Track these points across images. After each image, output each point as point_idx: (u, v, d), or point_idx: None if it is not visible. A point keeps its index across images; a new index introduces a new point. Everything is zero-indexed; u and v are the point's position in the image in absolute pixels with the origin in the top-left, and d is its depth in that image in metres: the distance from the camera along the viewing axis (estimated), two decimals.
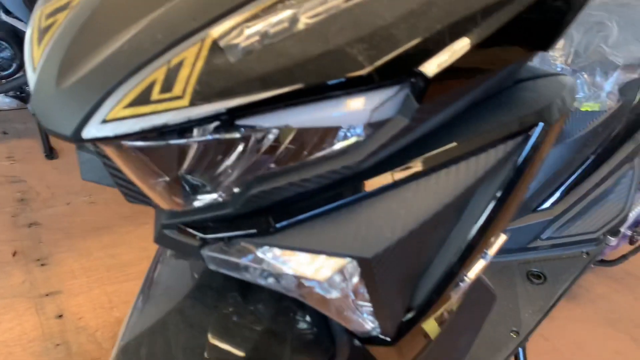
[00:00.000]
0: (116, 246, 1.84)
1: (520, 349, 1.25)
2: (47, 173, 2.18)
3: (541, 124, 0.55)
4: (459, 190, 0.54)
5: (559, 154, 1.19)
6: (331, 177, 0.48)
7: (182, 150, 0.47)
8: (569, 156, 1.19)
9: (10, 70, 2.08)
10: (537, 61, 1.09)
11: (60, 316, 1.55)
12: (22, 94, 2.26)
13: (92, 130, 0.43)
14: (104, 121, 0.43)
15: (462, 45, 0.43)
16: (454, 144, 0.53)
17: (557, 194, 1.25)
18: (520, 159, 0.56)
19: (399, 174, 0.51)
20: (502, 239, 0.63)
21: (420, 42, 0.42)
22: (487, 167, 0.55)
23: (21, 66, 2.10)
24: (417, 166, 0.52)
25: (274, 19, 0.44)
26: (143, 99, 0.42)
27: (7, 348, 1.44)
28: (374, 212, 0.51)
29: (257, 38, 0.43)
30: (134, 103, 0.42)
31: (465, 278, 0.62)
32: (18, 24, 1.98)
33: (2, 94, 2.29)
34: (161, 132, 0.43)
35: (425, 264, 0.60)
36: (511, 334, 1.14)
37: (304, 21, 0.43)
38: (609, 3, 1.14)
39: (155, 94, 0.42)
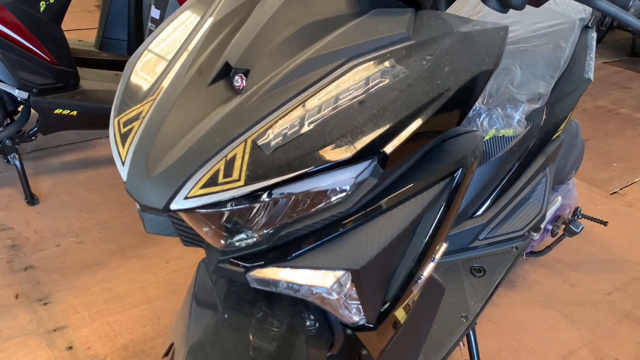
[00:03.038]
0: (109, 280, 2.02)
1: (470, 331, 1.53)
2: (31, 218, 2.33)
3: (460, 169, 0.83)
4: (412, 217, 0.81)
5: (485, 171, 1.49)
6: (330, 219, 0.74)
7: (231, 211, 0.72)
8: (494, 172, 1.50)
9: None
10: None
11: (71, 348, 1.73)
12: None
13: (177, 205, 0.67)
14: (186, 197, 0.67)
15: (405, 133, 0.70)
16: (406, 187, 0.80)
17: (488, 202, 1.55)
18: (450, 192, 0.84)
19: (373, 211, 0.78)
20: (443, 246, 0.91)
21: (380, 134, 0.69)
22: (428, 200, 0.82)
23: (1, 123, 2.26)
24: (384, 205, 0.79)
25: (288, 124, 0.69)
26: (213, 181, 0.67)
27: None
28: (359, 238, 0.77)
29: (280, 138, 0.68)
30: (206, 185, 0.67)
31: (422, 276, 0.89)
32: (1, 86, 2.14)
33: None
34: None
35: (394, 269, 0.86)
36: (461, 319, 1.42)
37: (307, 125, 0.69)
38: (512, 50, 1.45)
39: (220, 179, 0.67)
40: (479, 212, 1.54)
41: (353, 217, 0.77)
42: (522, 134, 1.47)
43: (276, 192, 0.69)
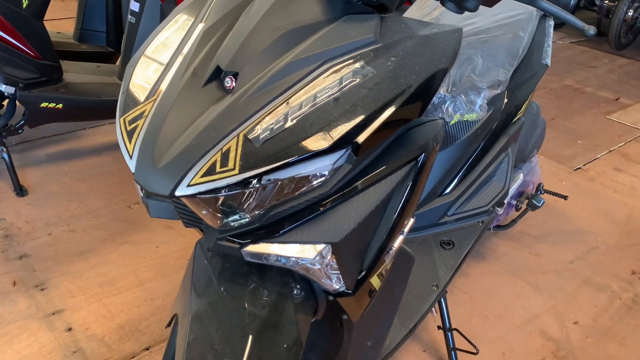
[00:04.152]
0: (102, 266, 2.13)
1: (442, 299, 1.67)
2: (22, 209, 2.40)
3: (424, 153, 0.96)
4: (383, 196, 0.94)
5: (452, 153, 1.62)
6: (312, 200, 0.86)
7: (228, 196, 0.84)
8: (460, 153, 1.63)
9: None
10: None
11: (70, 329, 1.84)
12: None
13: (181, 191, 0.79)
14: (189, 185, 0.79)
15: (374, 125, 0.83)
16: (377, 170, 0.93)
17: (455, 181, 1.68)
18: (415, 174, 0.97)
19: (350, 192, 0.90)
20: (411, 221, 1.04)
21: (353, 126, 0.81)
22: (397, 181, 0.95)
23: None
24: (359, 186, 0.91)
25: (274, 120, 0.81)
26: (211, 171, 0.78)
27: None
28: (337, 215, 0.90)
29: (268, 132, 0.80)
30: (206, 174, 0.78)
31: (392, 247, 1.02)
32: None
33: None
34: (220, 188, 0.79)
35: (368, 241, 0.99)
36: (432, 287, 1.56)
37: (290, 120, 0.81)
38: (473, 42, 1.58)
39: (218, 168, 0.78)
40: (447, 191, 1.68)
41: (332, 198, 0.90)
42: (485, 117, 1.60)
43: (265, 179, 0.81)
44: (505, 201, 1.81)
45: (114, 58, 3.00)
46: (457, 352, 1.70)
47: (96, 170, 2.71)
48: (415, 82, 0.86)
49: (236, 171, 0.78)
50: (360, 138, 0.82)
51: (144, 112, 0.87)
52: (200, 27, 0.95)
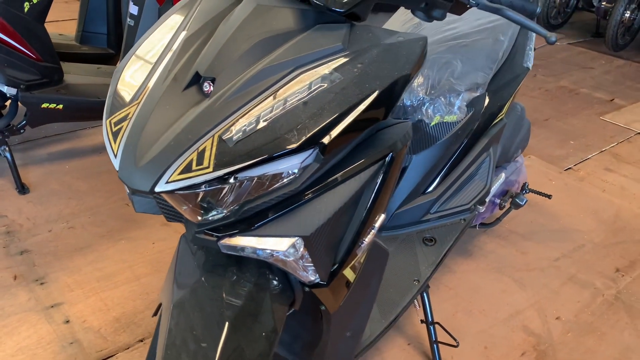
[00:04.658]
0: (100, 261, 2.20)
1: (424, 294, 1.73)
2: (23, 206, 2.48)
3: (391, 153, 1.02)
4: (353, 193, 1.01)
5: (434, 153, 1.69)
6: (284, 196, 0.93)
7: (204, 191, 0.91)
8: (441, 153, 1.70)
9: None
10: (406, 96, 1.58)
11: (68, 321, 1.91)
12: None
13: (160, 188, 0.86)
14: (167, 182, 0.85)
15: (339, 127, 0.89)
16: (348, 168, 0.99)
17: (437, 180, 1.75)
18: (384, 172, 1.03)
19: (321, 189, 0.97)
20: (382, 217, 1.10)
21: (320, 128, 0.88)
22: (366, 179, 1.02)
23: None
24: (330, 183, 0.98)
25: (247, 122, 0.88)
26: (188, 169, 0.85)
27: (30, 351, 1.79)
28: (309, 210, 0.96)
29: (240, 133, 0.87)
30: (183, 171, 0.85)
31: (364, 241, 1.08)
32: None
33: None
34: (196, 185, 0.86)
35: (340, 235, 1.05)
36: (414, 282, 1.62)
37: (262, 122, 0.88)
38: (453, 46, 1.64)
39: (194, 166, 0.85)
40: (430, 189, 1.74)
41: (304, 194, 0.96)
42: (465, 119, 1.66)
43: (240, 176, 0.88)
44: (487, 199, 1.87)
45: (114, 59, 3.07)
46: (439, 345, 1.76)
47: (96, 169, 2.79)
48: (379, 87, 0.93)
49: (210, 169, 0.85)
50: (327, 139, 0.89)
51: (128, 114, 0.94)
52: (182, 34, 1.02)
